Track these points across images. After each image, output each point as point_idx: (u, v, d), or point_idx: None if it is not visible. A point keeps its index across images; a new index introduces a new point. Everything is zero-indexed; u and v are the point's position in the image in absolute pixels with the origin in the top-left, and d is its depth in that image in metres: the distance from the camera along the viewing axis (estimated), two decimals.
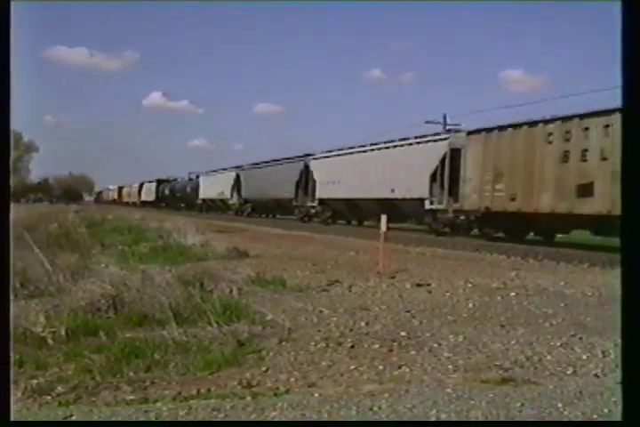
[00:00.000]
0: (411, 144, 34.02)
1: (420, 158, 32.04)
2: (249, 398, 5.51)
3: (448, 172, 30.05)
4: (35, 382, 5.97)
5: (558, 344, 7.79)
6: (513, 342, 7.88)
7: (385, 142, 37.10)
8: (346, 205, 41.37)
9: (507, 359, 7.04)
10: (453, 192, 29.80)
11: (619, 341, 7.62)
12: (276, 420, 4.97)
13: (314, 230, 34.72)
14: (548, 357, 7.20)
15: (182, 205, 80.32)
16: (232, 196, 61.22)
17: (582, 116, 23.17)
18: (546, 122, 24.81)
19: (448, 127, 32.62)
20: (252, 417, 5.02)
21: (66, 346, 7.16)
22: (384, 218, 16.40)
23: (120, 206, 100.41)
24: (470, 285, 12.94)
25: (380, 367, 6.62)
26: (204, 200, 71.71)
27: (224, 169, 66.96)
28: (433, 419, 5.01)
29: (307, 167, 46.21)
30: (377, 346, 7.50)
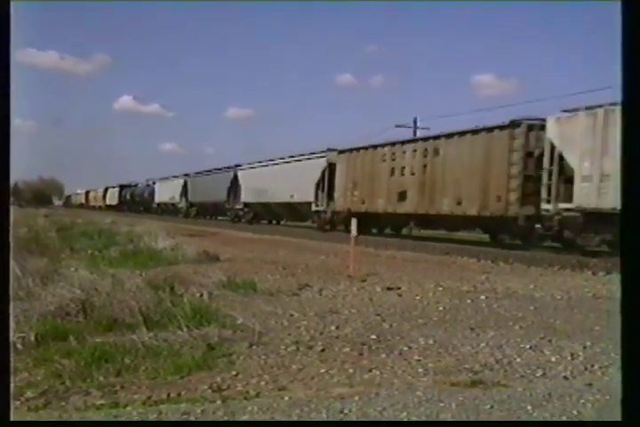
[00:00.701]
0: (302, 160, 43.73)
1: (308, 170, 41.41)
2: (219, 402, 5.50)
3: (327, 181, 39.20)
4: None
5: (528, 347, 7.84)
6: (483, 344, 7.93)
7: (288, 157, 46.79)
8: (263, 208, 50.91)
9: (476, 362, 7.08)
10: (331, 197, 38.95)
11: (588, 343, 7.75)
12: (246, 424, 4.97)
13: (285, 234, 34.77)
14: (518, 359, 7.25)
15: (141, 208, 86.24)
16: (181, 200, 69.73)
17: (403, 143, 32.89)
18: (382, 146, 34.21)
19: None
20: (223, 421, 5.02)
21: (35, 351, 7.12)
22: (354, 222, 16.45)
23: (88, 210, 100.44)
24: (440, 288, 13.00)
25: (351, 371, 6.63)
26: (158, 204, 79.74)
27: (175, 176, 74.39)
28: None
29: (236, 176, 55.49)
30: (347, 349, 7.52)
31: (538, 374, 6.65)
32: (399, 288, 12.86)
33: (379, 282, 13.70)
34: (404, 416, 5.11)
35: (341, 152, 38.34)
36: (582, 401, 5.64)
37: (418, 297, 11.79)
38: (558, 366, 6.98)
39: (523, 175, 24.01)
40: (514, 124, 24.72)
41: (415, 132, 56.63)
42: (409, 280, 14.07)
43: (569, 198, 21.58)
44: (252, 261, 18.25)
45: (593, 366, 6.98)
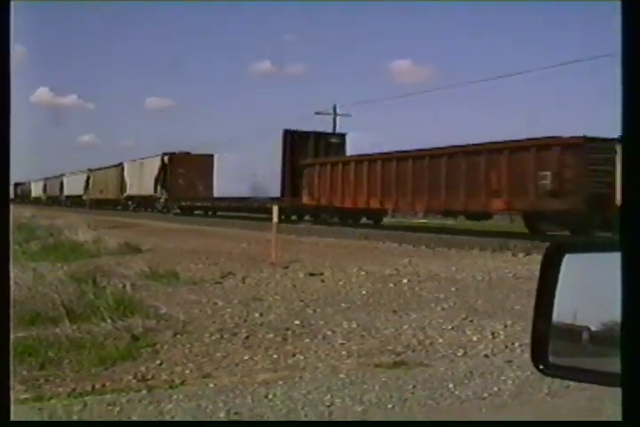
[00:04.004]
0: (79, 174, 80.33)
1: (80, 180, 78.87)
2: (145, 392, 5.49)
3: (87, 185, 75.54)
4: None
5: (449, 327, 7.97)
6: (405, 326, 8.03)
7: (74, 172, 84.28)
8: (75, 198, 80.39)
9: (399, 344, 7.17)
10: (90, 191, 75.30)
11: (509, 322, 7.89)
12: (172, 411, 4.97)
13: (205, 224, 34.60)
14: (440, 340, 7.36)
15: (26, 200, 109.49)
16: (43, 194, 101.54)
17: (114, 166, 67.13)
18: (113, 166, 66.34)
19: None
20: (149, 409, 5.01)
21: None
22: (276, 209, 16.47)
23: None
24: (363, 272, 13.08)
25: (275, 356, 6.67)
26: (34, 198, 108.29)
27: (38, 179, 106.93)
28: (327, 404, 5.08)
29: (62, 181, 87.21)
30: (271, 335, 7.54)
31: (459, 354, 6.77)
32: (322, 274, 12.92)
33: (301, 268, 13.75)
34: (327, 399, 5.17)
35: (90, 171, 73.71)
36: (503, 378, 5.77)
37: (341, 282, 11.88)
38: (479, 345, 7.11)
39: (120, 182, 61.93)
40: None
41: (335, 120, 56.80)
42: (331, 266, 14.14)
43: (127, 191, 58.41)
44: (174, 251, 18.22)
45: (513, 343, 7.12)
